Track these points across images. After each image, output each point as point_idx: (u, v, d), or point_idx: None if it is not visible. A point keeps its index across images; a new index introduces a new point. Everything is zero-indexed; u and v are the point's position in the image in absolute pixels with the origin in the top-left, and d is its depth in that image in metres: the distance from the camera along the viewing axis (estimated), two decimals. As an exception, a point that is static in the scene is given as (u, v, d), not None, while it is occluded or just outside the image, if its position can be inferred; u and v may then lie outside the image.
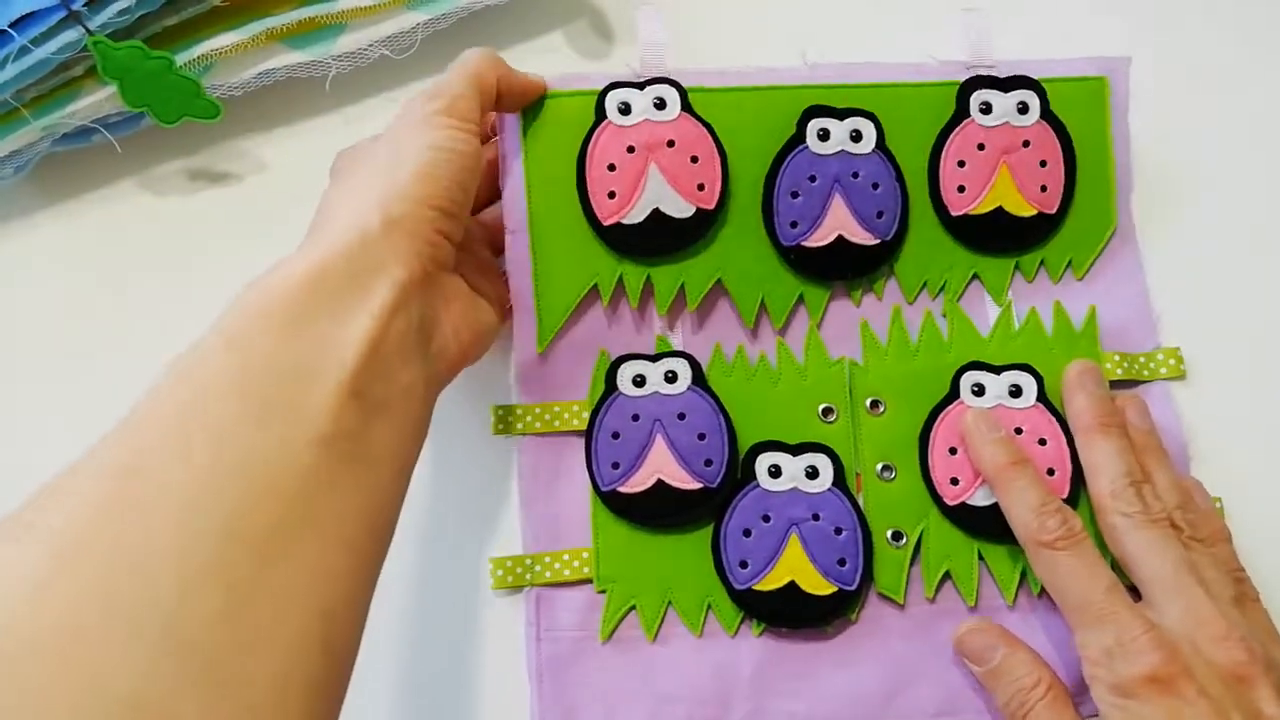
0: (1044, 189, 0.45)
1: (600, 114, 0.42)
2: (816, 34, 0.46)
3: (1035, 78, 0.45)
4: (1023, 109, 0.44)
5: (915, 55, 0.45)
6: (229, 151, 0.50)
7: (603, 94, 0.42)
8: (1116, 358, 0.45)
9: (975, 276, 0.45)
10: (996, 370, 0.43)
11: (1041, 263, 0.46)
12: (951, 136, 0.44)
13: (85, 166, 0.49)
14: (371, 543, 0.31)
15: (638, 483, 0.42)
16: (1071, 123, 0.45)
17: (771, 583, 0.41)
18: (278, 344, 0.30)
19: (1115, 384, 0.44)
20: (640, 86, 0.43)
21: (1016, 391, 0.43)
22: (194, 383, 0.29)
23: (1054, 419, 0.43)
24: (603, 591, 0.42)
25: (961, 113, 0.45)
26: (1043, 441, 0.42)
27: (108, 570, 0.25)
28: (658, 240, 0.43)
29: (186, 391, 0.29)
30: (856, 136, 0.44)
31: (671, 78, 0.43)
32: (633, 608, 0.42)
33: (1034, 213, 0.45)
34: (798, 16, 0.52)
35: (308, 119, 0.50)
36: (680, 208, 0.42)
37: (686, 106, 0.43)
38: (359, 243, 0.33)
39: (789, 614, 0.41)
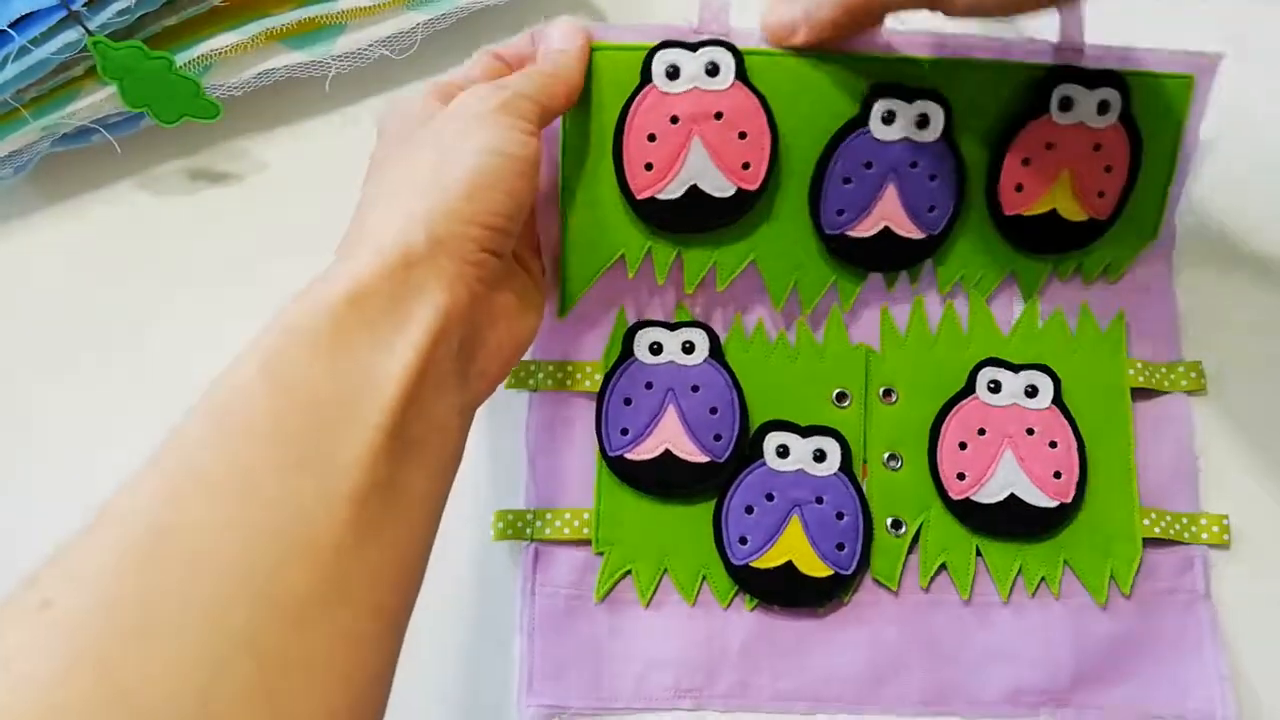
0: (1101, 195, 0.42)
1: (646, 76, 0.39)
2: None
3: (1122, 71, 0.41)
4: (1103, 108, 0.41)
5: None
6: (229, 151, 0.50)
7: (650, 54, 0.39)
8: (1139, 365, 0.44)
9: (1011, 275, 0.44)
10: (1015, 369, 0.43)
11: (1078, 265, 0.44)
12: (1023, 131, 0.41)
13: (85, 166, 0.49)
14: (400, 604, 0.30)
15: (645, 451, 0.42)
16: (1147, 124, 0.42)
17: (769, 561, 0.41)
18: (314, 374, 0.28)
19: (1135, 392, 0.43)
20: (693, 48, 0.39)
21: (1032, 392, 0.42)
22: (227, 423, 0.28)
23: (1067, 423, 0.42)
24: (601, 553, 0.42)
25: (1040, 106, 0.41)
26: (1053, 444, 0.42)
27: (136, 656, 0.23)
28: (693, 219, 0.41)
29: (219, 433, 0.27)
30: (923, 122, 0.40)
31: (728, 40, 0.39)
32: (629, 572, 0.42)
33: (1085, 219, 0.42)
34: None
35: (308, 119, 0.50)
36: (721, 186, 0.40)
37: (741, 74, 0.39)
38: (402, 264, 0.31)
39: (784, 593, 0.41)
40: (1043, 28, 0.41)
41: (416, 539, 0.31)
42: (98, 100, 0.45)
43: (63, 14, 0.41)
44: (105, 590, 0.24)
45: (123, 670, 0.23)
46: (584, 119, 0.40)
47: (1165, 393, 0.44)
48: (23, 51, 0.42)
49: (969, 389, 0.43)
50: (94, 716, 0.23)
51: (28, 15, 0.41)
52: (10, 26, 0.41)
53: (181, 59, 0.44)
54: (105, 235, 0.49)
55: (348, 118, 0.50)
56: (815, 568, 0.41)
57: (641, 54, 0.39)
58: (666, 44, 0.39)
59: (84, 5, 0.42)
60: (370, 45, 0.47)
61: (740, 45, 0.39)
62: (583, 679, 0.41)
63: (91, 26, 0.42)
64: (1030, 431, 0.42)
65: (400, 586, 0.30)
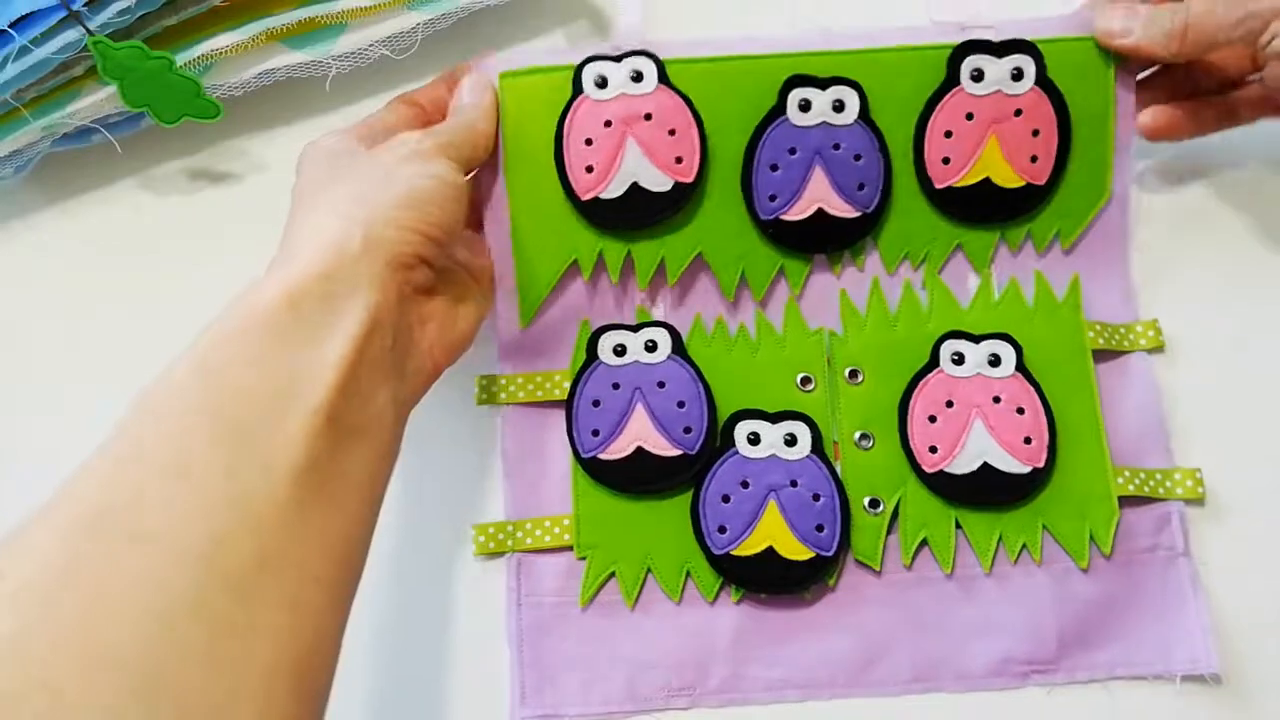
0: (1034, 159, 0.43)
1: (577, 88, 0.42)
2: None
3: (1033, 40, 0.42)
4: (1017, 75, 0.42)
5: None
6: (229, 151, 0.49)
7: (579, 68, 0.42)
8: (1098, 327, 0.44)
9: (958, 248, 0.45)
10: (976, 339, 0.43)
11: (1028, 234, 0.45)
12: (939, 106, 0.43)
13: (85, 166, 0.49)
14: (343, 576, 0.31)
15: (618, 450, 0.42)
16: (1070, 87, 0.43)
17: (750, 548, 0.41)
18: (250, 369, 0.30)
19: (1097, 354, 0.44)
20: (617, 59, 0.42)
21: (995, 361, 0.43)
22: (165, 415, 0.29)
23: (1032, 388, 0.42)
24: (583, 558, 0.42)
25: (951, 80, 0.42)
26: (1020, 410, 0.42)
27: (86, 619, 0.24)
28: (636, 214, 0.42)
29: (159, 424, 0.29)
30: (839, 107, 0.42)
31: (648, 50, 0.42)
32: (612, 574, 0.42)
33: (1022, 184, 0.43)
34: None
35: (308, 119, 0.50)
36: (658, 181, 0.42)
37: (664, 79, 0.42)
38: (336, 262, 0.33)
39: (766, 579, 0.41)
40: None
41: (356, 521, 0.32)
42: (98, 100, 0.44)
43: (63, 14, 0.41)
44: (55, 561, 0.25)
45: (73, 634, 0.24)
46: (523, 134, 0.42)
47: (1126, 352, 0.44)
48: (23, 51, 0.41)
49: (933, 363, 0.43)
50: (48, 679, 0.24)
51: (28, 15, 0.40)
52: (10, 26, 0.40)
53: (182, 59, 0.44)
54: (105, 235, 0.48)
55: (347, 118, 0.49)
56: (796, 551, 0.41)
57: (570, 71, 0.42)
58: (593, 58, 0.42)
59: (84, 5, 0.41)
60: (370, 45, 0.46)
61: (660, 55, 0.42)
62: (574, 686, 0.41)
63: (92, 26, 0.42)
64: (997, 399, 0.42)
65: (341, 560, 0.31)
